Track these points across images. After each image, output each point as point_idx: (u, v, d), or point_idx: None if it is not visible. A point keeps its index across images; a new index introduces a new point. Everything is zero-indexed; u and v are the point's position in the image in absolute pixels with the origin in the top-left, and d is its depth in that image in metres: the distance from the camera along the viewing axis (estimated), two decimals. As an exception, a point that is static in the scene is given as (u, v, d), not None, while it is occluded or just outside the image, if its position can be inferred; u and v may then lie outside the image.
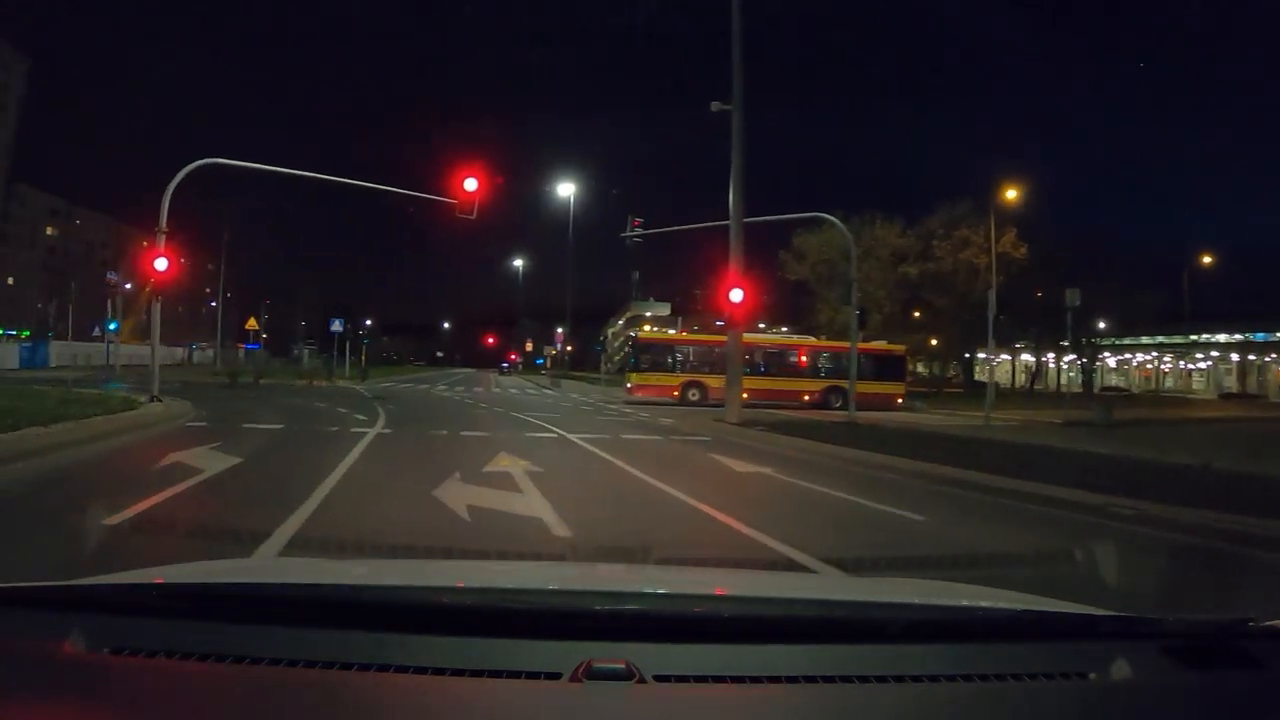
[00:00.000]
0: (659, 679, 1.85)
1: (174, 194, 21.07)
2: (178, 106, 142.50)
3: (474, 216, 23.79)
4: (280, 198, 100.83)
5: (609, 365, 75.94)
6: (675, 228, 30.89)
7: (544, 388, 54.55)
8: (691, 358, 37.01)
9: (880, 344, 38.81)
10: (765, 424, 21.13)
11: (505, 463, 11.91)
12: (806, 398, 36.00)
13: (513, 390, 48.55)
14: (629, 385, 37.46)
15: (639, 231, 30.03)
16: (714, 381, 34.48)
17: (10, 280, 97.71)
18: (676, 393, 35.33)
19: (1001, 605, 2.62)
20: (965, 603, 2.77)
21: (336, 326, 52.61)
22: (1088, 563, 5.92)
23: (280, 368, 62.45)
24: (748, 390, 26.64)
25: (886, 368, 36.98)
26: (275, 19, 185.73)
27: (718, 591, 2.86)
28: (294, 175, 25.06)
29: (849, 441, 16.52)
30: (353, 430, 16.61)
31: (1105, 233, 72.97)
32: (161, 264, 20.64)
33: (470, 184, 23.64)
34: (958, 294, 55.94)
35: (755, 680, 1.89)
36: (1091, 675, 2.01)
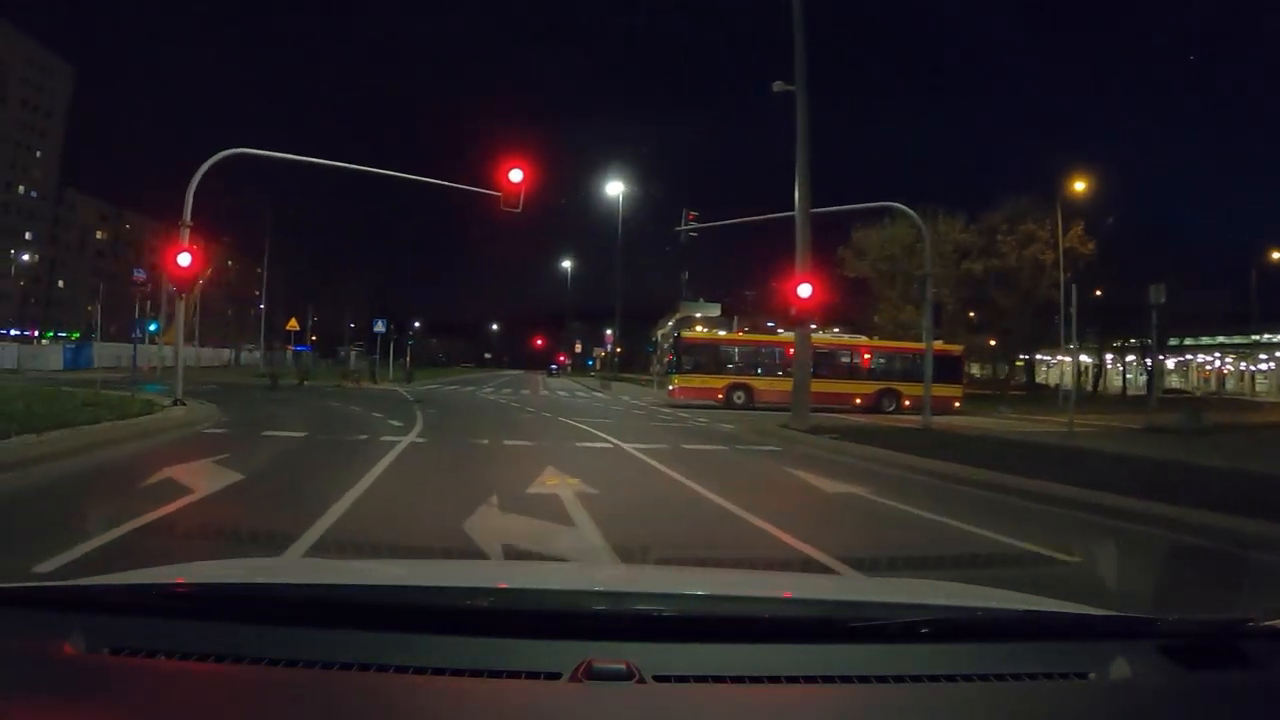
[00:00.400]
0: (659, 679, 1.79)
1: (218, 197, 20.23)
2: (217, 110, 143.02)
3: (519, 210, 23.01)
4: (327, 201, 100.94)
5: (659, 367, 74.58)
6: (734, 220, 29.28)
7: (593, 390, 53.39)
8: (737, 359, 35.66)
9: (938, 344, 36.73)
10: (834, 431, 19.52)
11: (552, 481, 10.25)
12: (859, 400, 34.36)
13: (561, 393, 47.11)
14: (671, 387, 36.00)
15: (694, 225, 28.33)
16: (760, 384, 33.84)
17: (60, 284, 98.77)
18: (720, 395, 33.78)
19: (1002, 605, 2.60)
20: (966, 603, 2.66)
21: (379, 328, 52.00)
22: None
23: (327, 369, 61.88)
24: None
25: (944, 369, 34.72)
26: (316, 18, 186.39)
27: (719, 592, 2.73)
28: (336, 169, 24.04)
29: (936, 453, 14.84)
30: (383, 439, 15.10)
31: (1165, 230, 69.25)
32: (185, 259, 19.44)
33: (515, 175, 22.93)
34: (1022, 291, 54.08)
35: (755, 680, 1.84)
36: (1091, 675, 1.95)
